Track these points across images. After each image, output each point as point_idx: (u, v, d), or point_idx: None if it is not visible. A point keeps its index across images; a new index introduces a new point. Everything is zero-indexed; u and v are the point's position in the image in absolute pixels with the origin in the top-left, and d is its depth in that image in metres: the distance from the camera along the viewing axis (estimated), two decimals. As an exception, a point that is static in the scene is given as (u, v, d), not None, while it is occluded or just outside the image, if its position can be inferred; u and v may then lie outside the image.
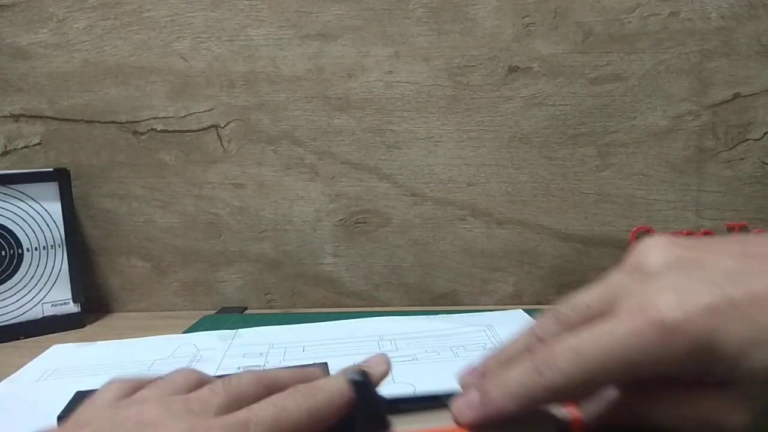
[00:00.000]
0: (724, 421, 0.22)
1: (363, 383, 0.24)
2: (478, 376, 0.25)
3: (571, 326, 0.24)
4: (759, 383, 0.21)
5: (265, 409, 0.22)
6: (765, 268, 0.22)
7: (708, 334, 0.20)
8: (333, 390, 0.24)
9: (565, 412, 0.25)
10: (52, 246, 0.60)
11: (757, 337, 0.20)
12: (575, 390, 0.23)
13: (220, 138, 0.63)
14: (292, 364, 0.38)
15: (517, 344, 0.26)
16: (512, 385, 0.23)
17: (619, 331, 0.22)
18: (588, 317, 0.24)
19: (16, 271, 0.58)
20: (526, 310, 0.58)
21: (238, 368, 0.41)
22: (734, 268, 0.22)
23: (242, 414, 0.22)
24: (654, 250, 0.24)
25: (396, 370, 0.40)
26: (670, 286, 0.22)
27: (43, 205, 0.60)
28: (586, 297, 0.25)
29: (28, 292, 0.59)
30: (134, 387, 0.25)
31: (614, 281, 0.25)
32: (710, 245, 0.24)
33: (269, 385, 0.25)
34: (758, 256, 0.23)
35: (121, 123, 0.63)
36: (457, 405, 0.24)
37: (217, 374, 0.37)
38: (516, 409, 0.23)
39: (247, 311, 0.65)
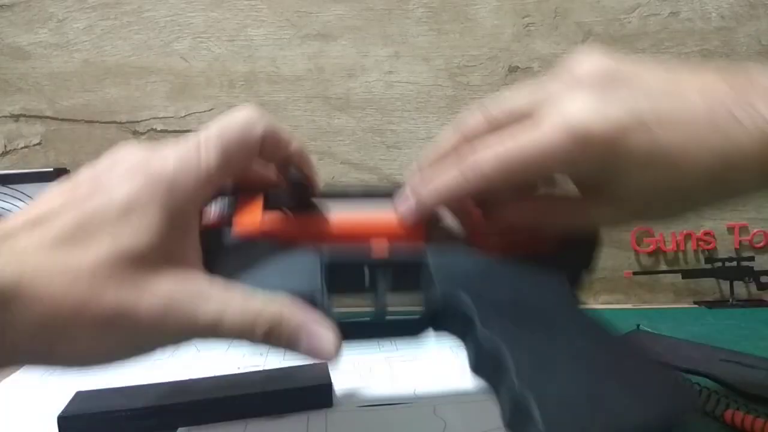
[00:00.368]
0: (592, 217, 0.26)
1: (299, 184, 0.28)
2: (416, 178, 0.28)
3: (498, 127, 0.26)
4: (637, 194, 0.24)
5: (210, 130, 0.24)
6: (686, 91, 0.24)
7: (613, 145, 0.23)
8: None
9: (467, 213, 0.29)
10: (52, 246, 0.60)
11: (652, 152, 0.23)
12: (494, 191, 0.26)
13: (220, 138, 0.63)
14: (292, 364, 0.38)
15: (447, 142, 0.28)
16: (441, 188, 0.26)
17: (540, 140, 0.24)
18: (515, 119, 0.26)
19: (16, 271, 0.58)
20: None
21: (238, 368, 0.41)
22: (654, 87, 0.24)
23: (191, 139, 0.24)
24: (587, 61, 0.25)
25: (396, 369, 0.41)
26: (590, 101, 0.24)
27: (43, 205, 0.59)
28: (518, 96, 0.26)
29: (28, 292, 0.59)
30: None
31: (545, 86, 0.26)
32: (640, 63, 0.26)
33: None
34: (684, 80, 0.24)
35: (121, 123, 0.63)
36: (398, 205, 0.28)
37: (216, 374, 0.37)
38: (442, 206, 0.27)
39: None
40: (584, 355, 0.22)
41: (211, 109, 0.62)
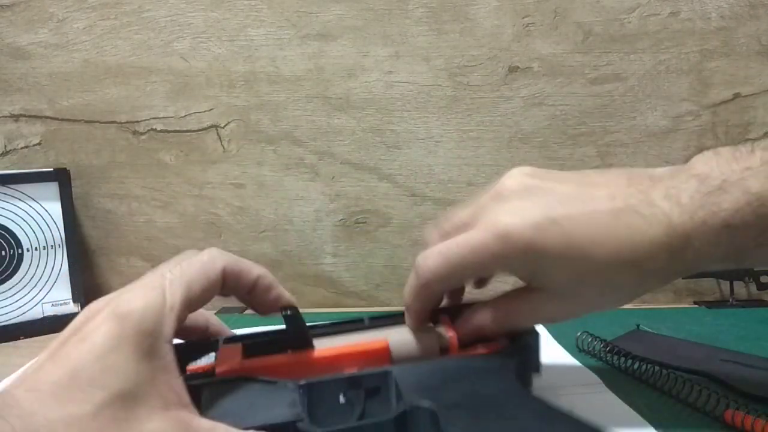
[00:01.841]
0: (541, 313, 0.31)
1: (292, 316, 0.31)
2: None
3: (448, 236, 0.31)
4: (565, 284, 0.29)
5: (173, 269, 0.27)
6: (593, 194, 0.29)
7: (531, 241, 0.28)
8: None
9: (445, 330, 0.33)
10: (52, 246, 0.60)
11: (565, 245, 0.28)
12: (442, 283, 0.31)
13: (220, 138, 0.63)
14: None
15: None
16: (407, 291, 0.32)
17: (472, 239, 0.29)
18: (460, 229, 0.31)
19: (16, 271, 0.58)
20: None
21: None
22: (566, 194, 0.29)
23: (155, 278, 0.27)
24: (510, 179, 0.31)
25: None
26: (512, 208, 0.29)
27: (43, 205, 0.60)
28: (461, 212, 0.33)
29: (28, 292, 0.59)
30: None
31: (480, 202, 0.32)
32: (558, 176, 0.31)
33: None
34: (592, 185, 0.30)
35: (120, 123, 0.63)
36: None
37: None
38: (419, 306, 0.32)
39: (246, 311, 0.65)
40: None
41: (211, 109, 0.62)
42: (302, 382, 0.30)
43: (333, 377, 0.31)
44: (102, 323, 0.24)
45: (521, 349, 0.33)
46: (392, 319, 0.37)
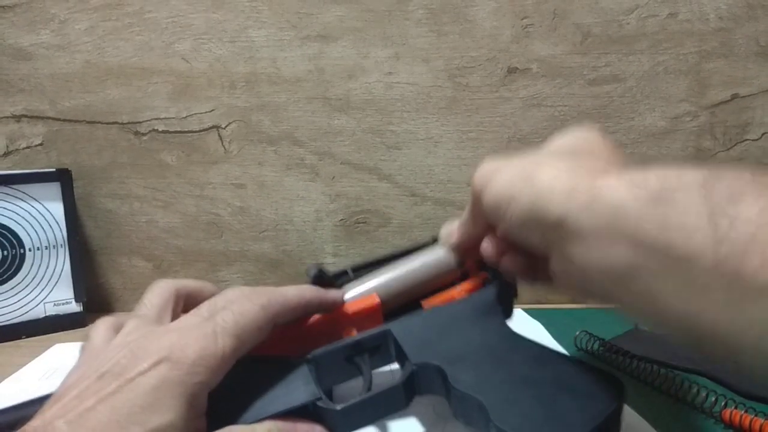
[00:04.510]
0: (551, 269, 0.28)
1: (319, 274, 0.33)
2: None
3: None
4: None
5: (226, 317, 0.27)
6: (512, 163, 0.29)
7: (479, 194, 0.30)
8: (288, 292, 0.31)
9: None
10: (54, 246, 0.60)
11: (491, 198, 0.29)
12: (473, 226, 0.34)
13: (221, 138, 0.63)
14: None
15: None
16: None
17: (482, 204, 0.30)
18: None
19: (18, 271, 0.59)
20: (525, 310, 0.58)
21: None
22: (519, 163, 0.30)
23: (208, 325, 0.27)
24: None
25: (396, 368, 0.41)
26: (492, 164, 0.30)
27: (45, 205, 0.60)
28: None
29: (30, 292, 0.59)
30: (119, 323, 0.30)
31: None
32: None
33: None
34: (525, 160, 0.30)
35: (122, 124, 0.63)
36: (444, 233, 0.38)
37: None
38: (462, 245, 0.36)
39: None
40: (536, 379, 0.27)
41: (212, 110, 0.63)
42: (309, 356, 0.30)
43: (336, 346, 0.31)
44: (154, 366, 0.25)
45: (500, 285, 0.35)
46: (374, 266, 0.38)
